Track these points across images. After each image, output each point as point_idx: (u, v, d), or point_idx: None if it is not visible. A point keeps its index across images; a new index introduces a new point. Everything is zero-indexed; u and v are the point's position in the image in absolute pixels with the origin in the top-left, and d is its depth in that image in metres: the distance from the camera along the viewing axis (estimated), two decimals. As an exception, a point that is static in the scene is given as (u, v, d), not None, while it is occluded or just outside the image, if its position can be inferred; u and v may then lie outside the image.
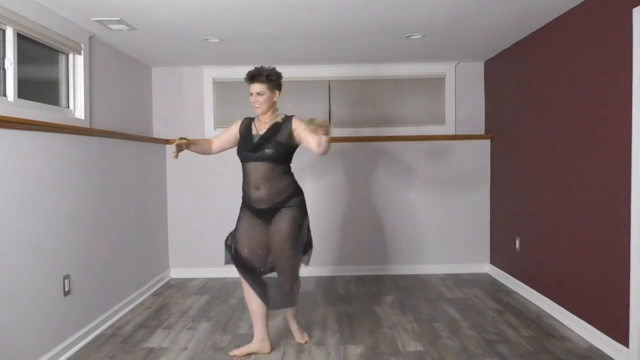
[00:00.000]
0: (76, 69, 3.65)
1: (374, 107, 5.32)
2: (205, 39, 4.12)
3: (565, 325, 3.59)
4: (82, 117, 3.67)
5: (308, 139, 2.97)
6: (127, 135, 4.22)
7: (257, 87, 3.01)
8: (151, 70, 5.18)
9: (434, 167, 5.24)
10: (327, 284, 4.92)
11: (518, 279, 4.51)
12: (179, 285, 4.93)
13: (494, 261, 5.16)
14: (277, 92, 3.09)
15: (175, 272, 5.24)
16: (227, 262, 3.21)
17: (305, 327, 3.66)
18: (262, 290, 3.13)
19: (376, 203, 5.25)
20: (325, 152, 2.89)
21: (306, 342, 3.37)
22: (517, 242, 4.50)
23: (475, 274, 5.18)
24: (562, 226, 3.68)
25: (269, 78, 3.02)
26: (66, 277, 3.26)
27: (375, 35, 4.08)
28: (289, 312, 3.34)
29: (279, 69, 5.10)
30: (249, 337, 3.48)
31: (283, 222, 3.02)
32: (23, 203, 2.85)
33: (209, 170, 5.22)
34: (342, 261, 5.28)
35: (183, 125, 5.22)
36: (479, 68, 5.26)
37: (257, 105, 3.03)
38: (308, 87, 5.30)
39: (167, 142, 5.14)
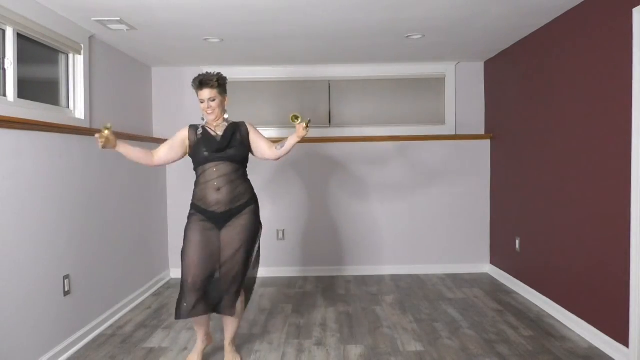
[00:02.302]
0: (76, 69, 3.65)
1: (374, 107, 5.32)
2: (205, 39, 4.12)
3: (565, 325, 3.59)
4: (82, 117, 3.67)
5: (261, 145, 3.00)
6: (127, 135, 4.22)
7: (207, 93, 2.90)
8: (151, 70, 5.18)
9: (434, 167, 5.24)
10: (327, 284, 4.92)
11: (518, 279, 4.51)
12: (179, 285, 4.92)
13: (494, 261, 5.16)
14: (226, 97, 3.00)
15: (175, 272, 5.24)
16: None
17: (305, 327, 3.67)
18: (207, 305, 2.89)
19: (376, 202, 5.25)
20: (282, 155, 2.96)
21: None
22: (517, 242, 4.50)
23: (475, 274, 5.18)
24: (562, 226, 3.68)
25: (219, 83, 2.93)
26: (66, 277, 3.26)
27: (375, 35, 4.08)
28: (226, 331, 3.05)
29: (279, 68, 5.24)
30: (248, 337, 3.48)
31: (240, 228, 2.90)
32: (23, 203, 2.85)
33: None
34: (342, 261, 5.28)
35: (183, 125, 5.20)
36: (479, 68, 5.26)
37: (210, 112, 2.93)
38: (308, 87, 5.30)
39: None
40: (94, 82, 3.85)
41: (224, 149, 2.91)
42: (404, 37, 4.16)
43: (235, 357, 3.08)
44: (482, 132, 5.29)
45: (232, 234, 2.89)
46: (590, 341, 3.28)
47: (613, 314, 3.06)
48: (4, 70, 2.90)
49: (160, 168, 5.10)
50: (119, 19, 3.49)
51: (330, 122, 5.29)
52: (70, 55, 3.62)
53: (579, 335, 3.40)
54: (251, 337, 3.49)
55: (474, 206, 5.25)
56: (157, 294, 4.65)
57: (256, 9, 3.36)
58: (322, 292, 4.63)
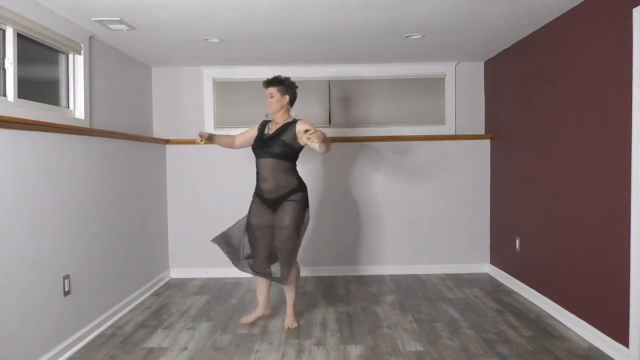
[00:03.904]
0: (76, 69, 3.65)
1: (374, 107, 5.32)
2: (205, 39, 4.12)
3: (565, 325, 3.59)
4: (82, 117, 3.67)
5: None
6: (127, 135, 4.22)
7: (269, 90, 3.56)
8: (151, 70, 5.18)
9: (434, 167, 5.24)
10: (327, 284, 4.92)
11: (518, 279, 4.51)
12: (179, 285, 4.93)
13: (494, 261, 5.16)
14: (286, 97, 3.57)
15: (175, 272, 5.25)
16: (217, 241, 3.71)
17: (305, 327, 3.67)
18: (264, 266, 3.63)
19: (376, 203, 5.25)
20: (327, 151, 3.35)
21: (289, 328, 3.64)
22: (517, 242, 4.50)
23: (475, 274, 5.18)
24: (562, 226, 3.68)
25: (281, 82, 3.56)
26: (66, 277, 3.26)
27: (375, 35, 4.08)
28: (287, 297, 3.72)
29: (279, 68, 5.24)
30: (249, 337, 3.49)
31: (285, 213, 3.48)
32: (23, 203, 2.85)
33: (209, 171, 5.22)
34: (342, 261, 5.28)
35: (183, 125, 5.22)
36: (479, 68, 5.26)
37: (269, 105, 3.57)
38: (308, 87, 5.30)
39: (167, 142, 5.15)
40: (94, 82, 3.85)
41: (268, 146, 3.49)
42: (404, 37, 4.16)
43: (292, 321, 3.66)
44: (482, 132, 5.29)
45: (280, 219, 3.49)
46: (590, 341, 3.28)
47: (613, 314, 3.06)
48: (4, 70, 2.90)
49: (160, 168, 5.10)
50: (119, 19, 3.50)
51: (330, 122, 5.29)
52: (70, 55, 3.62)
53: (579, 335, 3.40)
54: (251, 337, 3.49)
55: (474, 206, 5.25)
56: (157, 294, 4.65)
57: (256, 9, 3.36)
58: (322, 292, 4.63)
